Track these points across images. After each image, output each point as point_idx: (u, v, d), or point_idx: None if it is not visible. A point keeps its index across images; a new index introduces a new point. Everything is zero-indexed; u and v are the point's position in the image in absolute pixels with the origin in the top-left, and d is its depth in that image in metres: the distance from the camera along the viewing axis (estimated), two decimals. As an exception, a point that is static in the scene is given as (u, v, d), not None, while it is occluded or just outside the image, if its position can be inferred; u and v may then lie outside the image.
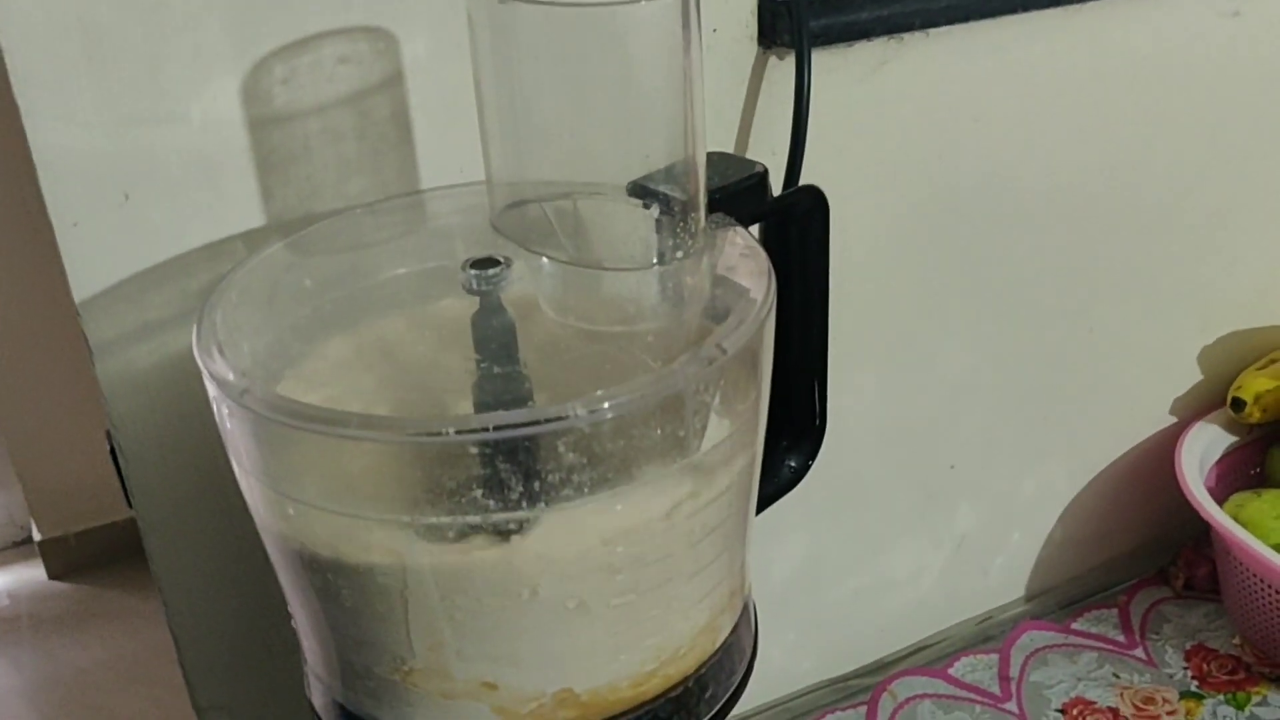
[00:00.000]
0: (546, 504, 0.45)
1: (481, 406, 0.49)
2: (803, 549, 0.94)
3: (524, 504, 0.45)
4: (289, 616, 0.58)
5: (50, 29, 0.57)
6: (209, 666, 0.75)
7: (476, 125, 0.57)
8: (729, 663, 0.56)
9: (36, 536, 2.50)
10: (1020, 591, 1.07)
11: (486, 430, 0.43)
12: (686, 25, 0.50)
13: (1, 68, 0.58)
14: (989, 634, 1.03)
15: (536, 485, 0.44)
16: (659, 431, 0.46)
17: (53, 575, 2.52)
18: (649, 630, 0.50)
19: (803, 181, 0.74)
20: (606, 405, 0.44)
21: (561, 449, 0.44)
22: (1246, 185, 0.99)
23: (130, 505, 0.71)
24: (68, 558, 2.51)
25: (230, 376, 0.47)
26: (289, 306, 0.58)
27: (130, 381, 0.66)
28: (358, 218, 0.62)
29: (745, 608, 0.58)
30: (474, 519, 0.45)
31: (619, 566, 0.48)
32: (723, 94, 0.75)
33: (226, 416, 0.48)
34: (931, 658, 1.01)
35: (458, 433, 0.43)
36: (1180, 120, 0.93)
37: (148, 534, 0.71)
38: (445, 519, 0.45)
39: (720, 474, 0.50)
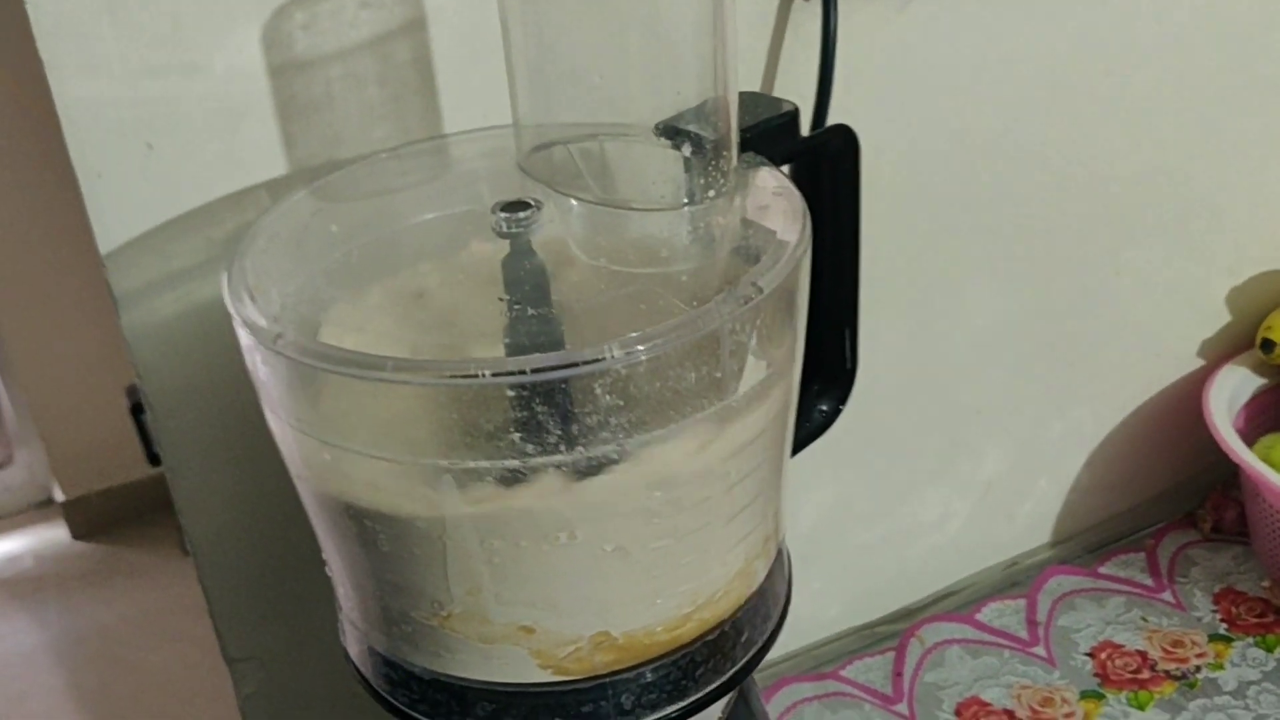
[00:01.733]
0: (584, 447, 0.45)
1: (515, 349, 0.49)
2: (829, 496, 0.94)
3: (561, 447, 0.44)
4: (321, 564, 0.57)
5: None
6: (239, 617, 0.75)
7: (499, 69, 0.56)
8: (764, 608, 0.56)
9: (59, 497, 2.52)
10: (1047, 536, 1.07)
11: (523, 373, 0.42)
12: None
13: (25, 20, 0.58)
14: (1016, 579, 1.02)
15: (574, 428, 0.44)
16: (696, 373, 0.46)
17: (76, 535, 2.54)
18: (686, 575, 0.50)
19: (829, 122, 0.74)
20: (643, 346, 0.43)
21: (598, 391, 0.44)
22: (1277, 122, 0.98)
23: (152, 462, 0.71)
24: (90, 517, 2.53)
25: (263, 322, 0.47)
26: (317, 252, 0.58)
27: (155, 332, 0.66)
28: (382, 162, 0.61)
29: (780, 553, 0.58)
30: (512, 463, 0.44)
31: (656, 510, 0.47)
32: (747, 35, 0.74)
33: (260, 363, 0.48)
34: (958, 604, 1.01)
35: (494, 375, 0.43)
36: (1211, 54, 0.91)
37: (175, 485, 0.70)
38: (483, 463, 0.45)
39: (757, 416, 0.49)
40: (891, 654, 0.96)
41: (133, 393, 0.68)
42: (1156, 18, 0.87)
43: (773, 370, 0.50)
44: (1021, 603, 0.99)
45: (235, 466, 0.70)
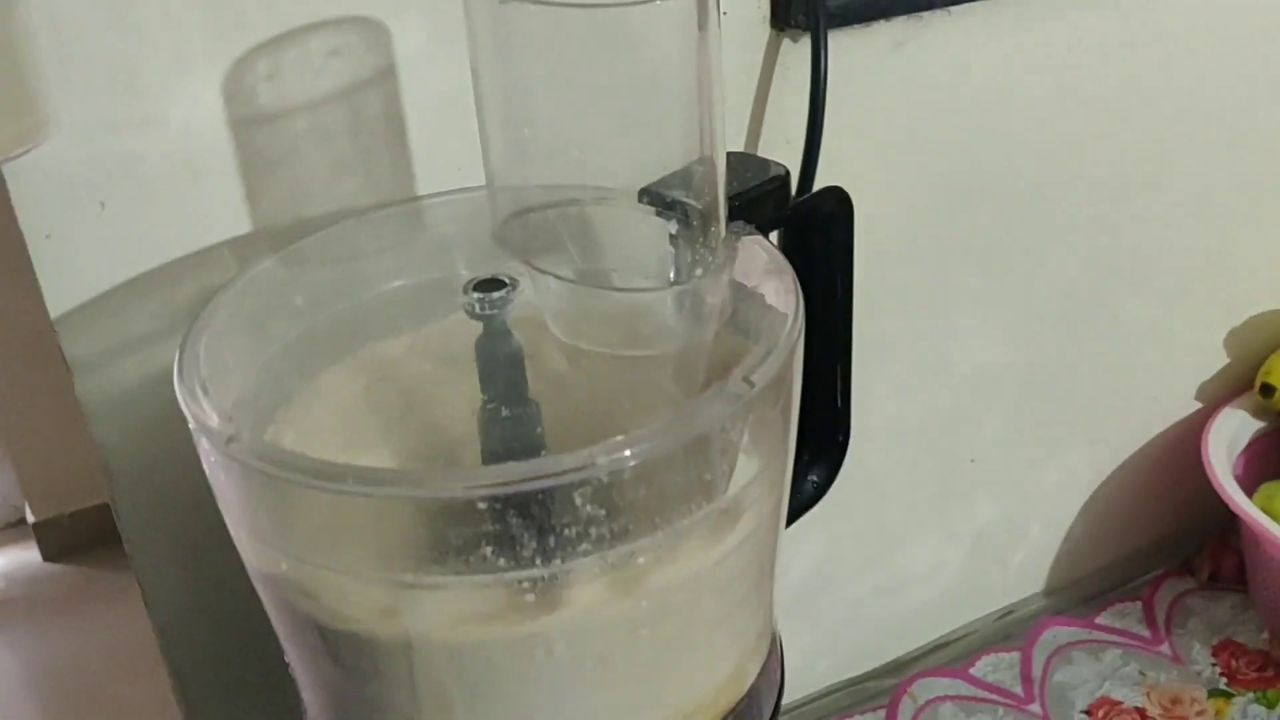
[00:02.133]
0: (562, 560, 0.41)
1: (490, 454, 0.45)
2: (819, 548, 0.90)
3: (538, 561, 0.41)
4: (286, 664, 0.54)
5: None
6: (207, 698, 0.72)
7: (474, 121, 0.53)
8: (756, 704, 0.53)
9: (30, 518, 2.47)
10: (1041, 585, 1.04)
11: (496, 486, 0.39)
12: (704, 24, 0.45)
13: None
14: (1009, 630, 1.00)
15: (551, 541, 0.41)
16: (683, 476, 0.42)
17: (47, 557, 2.49)
18: (674, 684, 0.47)
19: (819, 168, 0.71)
20: (627, 453, 0.40)
21: (578, 501, 0.40)
22: (1274, 165, 0.95)
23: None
24: (62, 539, 2.48)
25: (215, 422, 0.43)
26: (280, 328, 0.54)
27: (114, 399, 0.63)
28: (351, 229, 0.58)
29: (771, 648, 0.54)
30: (484, 578, 0.41)
31: (640, 620, 0.44)
32: (734, 79, 0.71)
33: (213, 464, 0.44)
34: (951, 655, 0.98)
35: (465, 489, 0.39)
36: (1208, 99, 0.89)
37: (136, 560, 0.67)
38: (452, 578, 0.41)
39: (748, 515, 0.46)
40: (883, 711, 0.93)
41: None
42: (1153, 62, 0.84)
43: (765, 465, 0.46)
44: (1016, 656, 0.97)
45: (198, 537, 0.66)
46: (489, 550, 0.40)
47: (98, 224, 0.59)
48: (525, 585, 0.41)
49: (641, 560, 0.43)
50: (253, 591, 0.54)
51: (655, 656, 0.45)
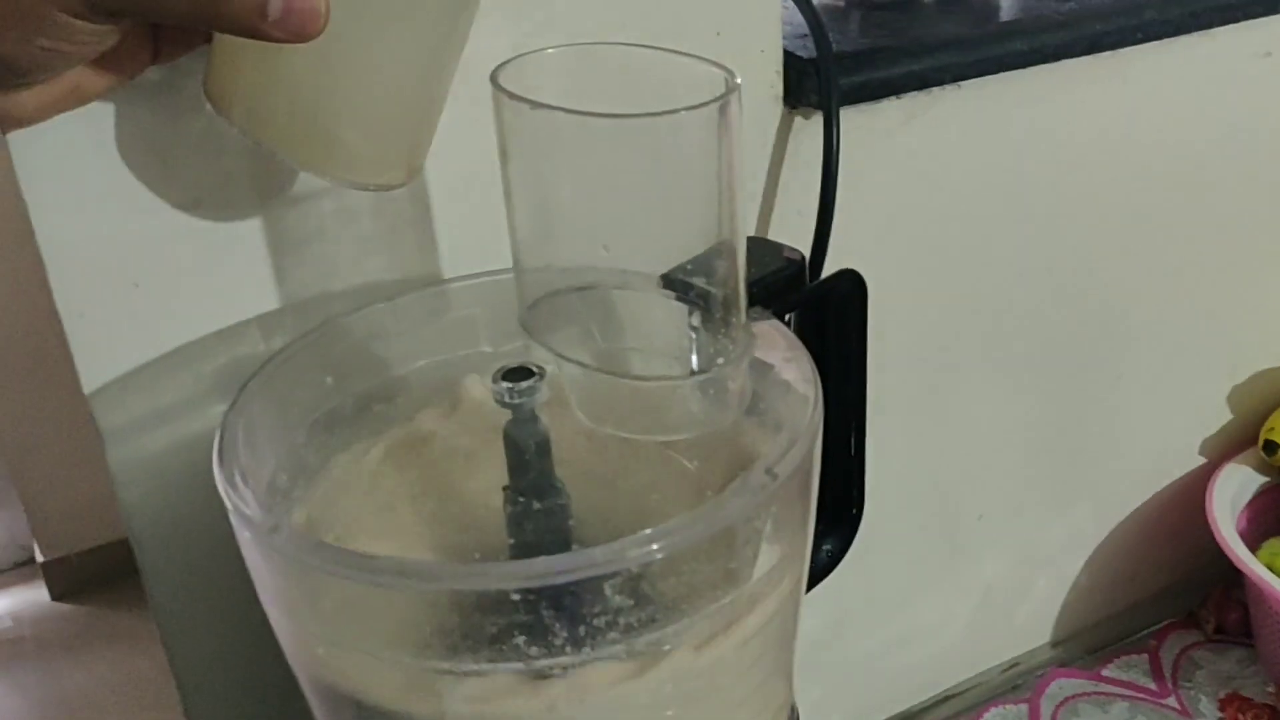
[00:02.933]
0: (592, 648, 0.43)
1: (521, 546, 0.47)
2: (830, 602, 0.92)
3: (568, 649, 0.42)
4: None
5: (55, 120, 0.55)
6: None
7: (498, 200, 0.54)
8: (775, 775, 0.54)
9: (39, 558, 2.48)
10: (1047, 636, 1.05)
11: (530, 579, 0.40)
12: (727, 128, 0.47)
13: (8, 156, 0.56)
14: (1017, 682, 1.01)
15: (581, 630, 0.42)
16: (709, 566, 0.44)
17: (55, 596, 2.50)
18: (699, 763, 0.48)
19: (831, 239, 0.72)
20: (656, 546, 0.41)
21: (608, 592, 0.42)
22: (1274, 226, 0.97)
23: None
24: (70, 578, 2.49)
25: (256, 512, 0.45)
26: (311, 408, 0.56)
27: (143, 468, 0.64)
28: (378, 312, 0.59)
29: (791, 714, 0.56)
30: (516, 665, 0.42)
31: (667, 703, 0.46)
32: (748, 155, 0.73)
33: (252, 552, 0.46)
34: (960, 707, 0.99)
35: (500, 583, 0.41)
36: (1211, 163, 0.90)
37: (163, 621, 0.69)
38: (485, 666, 0.43)
39: (771, 599, 0.48)
40: (893, 764, 0.94)
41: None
42: (1154, 130, 0.86)
43: (787, 550, 0.48)
44: (1024, 708, 0.98)
45: (225, 601, 0.68)
46: (521, 639, 0.42)
47: (130, 302, 0.60)
48: (557, 672, 0.43)
49: (668, 647, 0.44)
50: (277, 654, 0.55)
51: (681, 738, 0.47)
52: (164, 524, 0.66)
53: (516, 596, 0.41)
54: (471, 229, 0.65)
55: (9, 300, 2.20)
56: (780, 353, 0.53)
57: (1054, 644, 1.05)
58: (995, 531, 0.97)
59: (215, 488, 0.57)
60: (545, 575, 0.40)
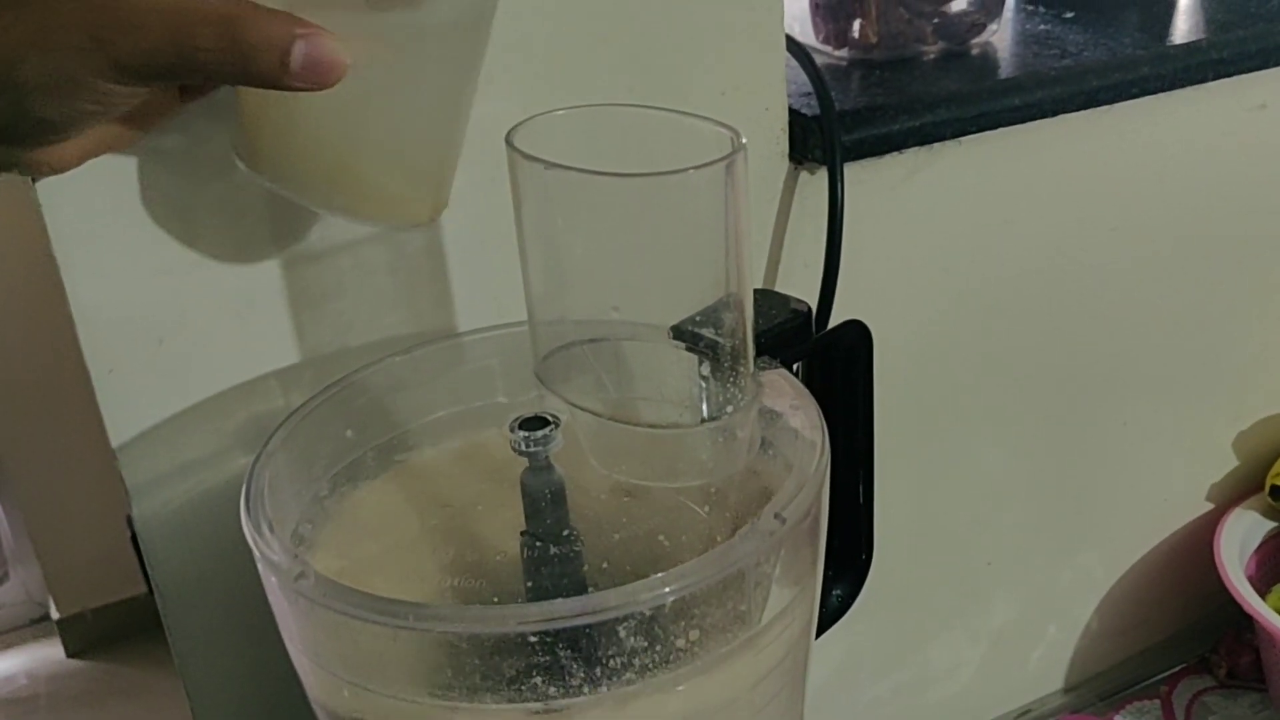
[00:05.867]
0: (607, 689, 0.44)
1: (538, 589, 0.48)
2: (840, 650, 0.93)
3: (585, 689, 0.44)
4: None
5: (84, 185, 0.57)
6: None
7: (511, 256, 0.56)
8: (786, 817, 0.55)
9: (55, 614, 2.49)
10: (1059, 683, 1.06)
11: (548, 621, 0.42)
12: (734, 185, 0.49)
13: (39, 224, 0.58)
14: (1029, 728, 1.01)
15: (597, 670, 0.44)
16: (721, 609, 0.45)
17: (71, 653, 2.50)
18: (710, 801, 0.49)
19: (837, 289, 0.74)
20: (668, 589, 0.43)
21: (623, 634, 0.43)
22: (1275, 272, 0.98)
23: (153, 591, 0.70)
24: (86, 635, 2.49)
25: (282, 559, 0.46)
26: (332, 460, 0.57)
27: (166, 521, 0.66)
28: (396, 364, 0.61)
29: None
30: (534, 705, 0.44)
31: (682, 744, 0.47)
32: (755, 209, 0.74)
33: (279, 598, 0.47)
34: (972, 754, 0.99)
35: (519, 625, 0.42)
36: (1209, 214, 0.92)
37: (186, 671, 0.70)
38: (505, 706, 0.44)
39: (782, 641, 0.49)
40: (906, 812, 0.94)
41: (132, 522, 0.67)
42: (1154, 181, 0.88)
43: (797, 594, 0.49)
44: (1036, 755, 0.98)
45: (246, 652, 0.69)
46: (539, 679, 0.43)
47: (156, 359, 0.62)
48: (573, 711, 0.44)
49: (681, 688, 0.45)
50: (298, 701, 0.56)
51: (696, 778, 0.48)
52: (187, 576, 0.67)
53: (534, 639, 0.42)
54: (485, 284, 0.67)
55: (28, 358, 2.23)
56: (788, 400, 0.54)
57: (1066, 690, 1.06)
58: (1004, 578, 0.97)
59: (238, 540, 0.59)
60: (562, 617, 0.42)
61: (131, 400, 0.63)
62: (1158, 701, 1.02)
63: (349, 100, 0.49)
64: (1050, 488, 0.96)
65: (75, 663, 2.50)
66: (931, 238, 0.81)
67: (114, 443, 0.63)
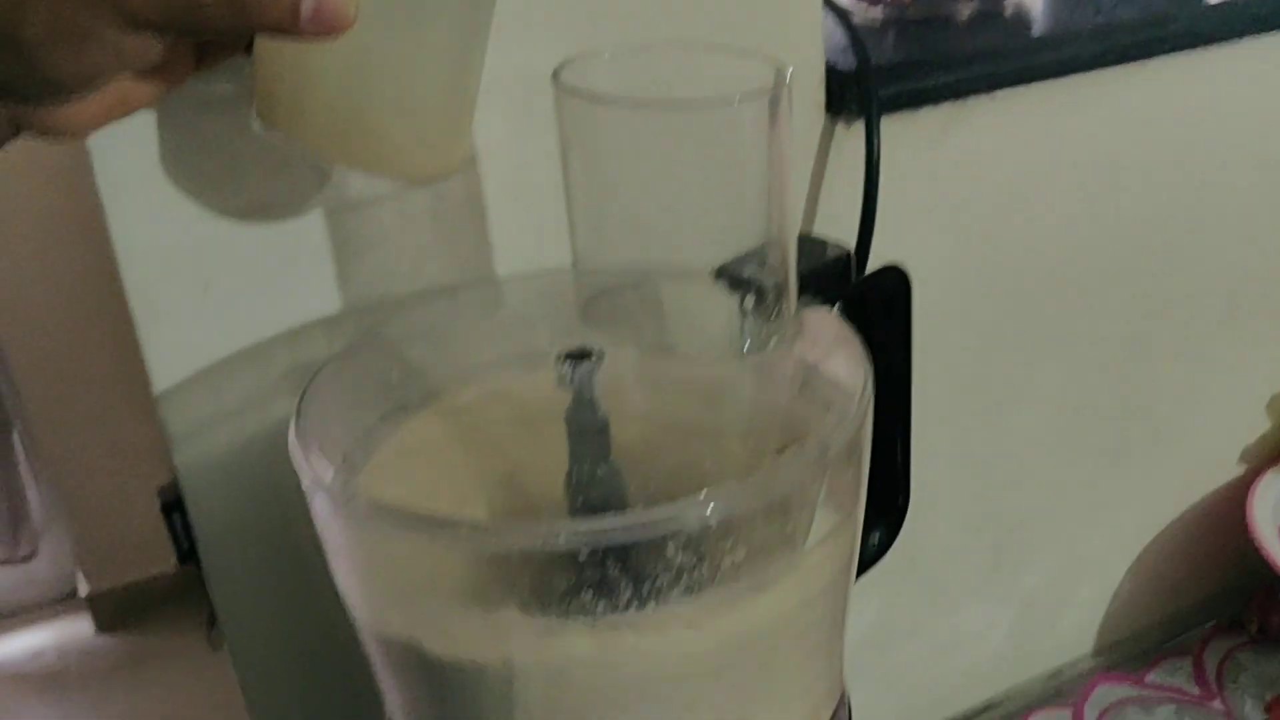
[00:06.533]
0: (655, 605, 0.45)
1: (582, 507, 0.49)
2: (872, 610, 0.93)
3: (633, 606, 0.44)
4: (374, 694, 0.57)
5: (133, 130, 0.58)
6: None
7: (549, 206, 0.56)
8: (827, 752, 0.56)
9: (84, 590, 2.51)
10: (1090, 645, 1.06)
11: (597, 534, 0.43)
12: (776, 117, 0.50)
13: (87, 166, 0.59)
14: (1060, 689, 1.01)
15: (645, 587, 0.44)
16: (766, 529, 0.46)
17: (100, 629, 2.53)
18: (755, 728, 0.50)
19: (873, 247, 0.75)
20: (716, 506, 0.43)
21: (671, 551, 0.44)
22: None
23: (181, 561, 0.70)
24: (115, 611, 2.52)
25: (332, 480, 0.47)
26: (379, 398, 0.58)
27: (207, 468, 0.66)
28: (441, 306, 0.62)
29: (842, 697, 0.57)
30: (583, 621, 0.45)
31: (727, 665, 0.47)
32: (793, 163, 0.75)
33: (328, 518, 0.48)
34: (1002, 715, 1.00)
35: (568, 538, 0.43)
36: (1243, 171, 0.92)
37: (225, 617, 0.71)
38: (554, 621, 0.45)
39: (825, 568, 0.50)
40: (938, 769, 0.95)
41: (163, 492, 0.68)
42: (1190, 138, 0.88)
43: (839, 521, 0.50)
44: (1067, 714, 0.98)
45: (286, 601, 0.70)
46: (588, 596, 0.44)
47: (202, 303, 0.63)
48: (622, 628, 0.45)
49: (728, 608, 0.46)
50: (338, 636, 0.57)
51: (737, 699, 0.49)
52: (229, 524, 0.68)
53: (584, 555, 0.43)
54: (527, 234, 0.68)
55: (62, 337, 2.24)
56: (830, 338, 0.55)
57: (1097, 653, 1.06)
58: (1036, 538, 0.98)
59: (279, 488, 0.60)
60: (611, 531, 0.43)
61: (175, 346, 0.63)
62: (1189, 660, 1.03)
63: (360, 49, 0.49)
64: (1083, 448, 0.96)
65: (104, 638, 2.52)
66: (966, 192, 0.81)
67: (156, 389, 0.64)
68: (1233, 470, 1.05)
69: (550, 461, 0.53)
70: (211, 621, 2.41)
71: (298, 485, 0.51)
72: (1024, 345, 0.89)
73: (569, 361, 0.51)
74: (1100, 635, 1.06)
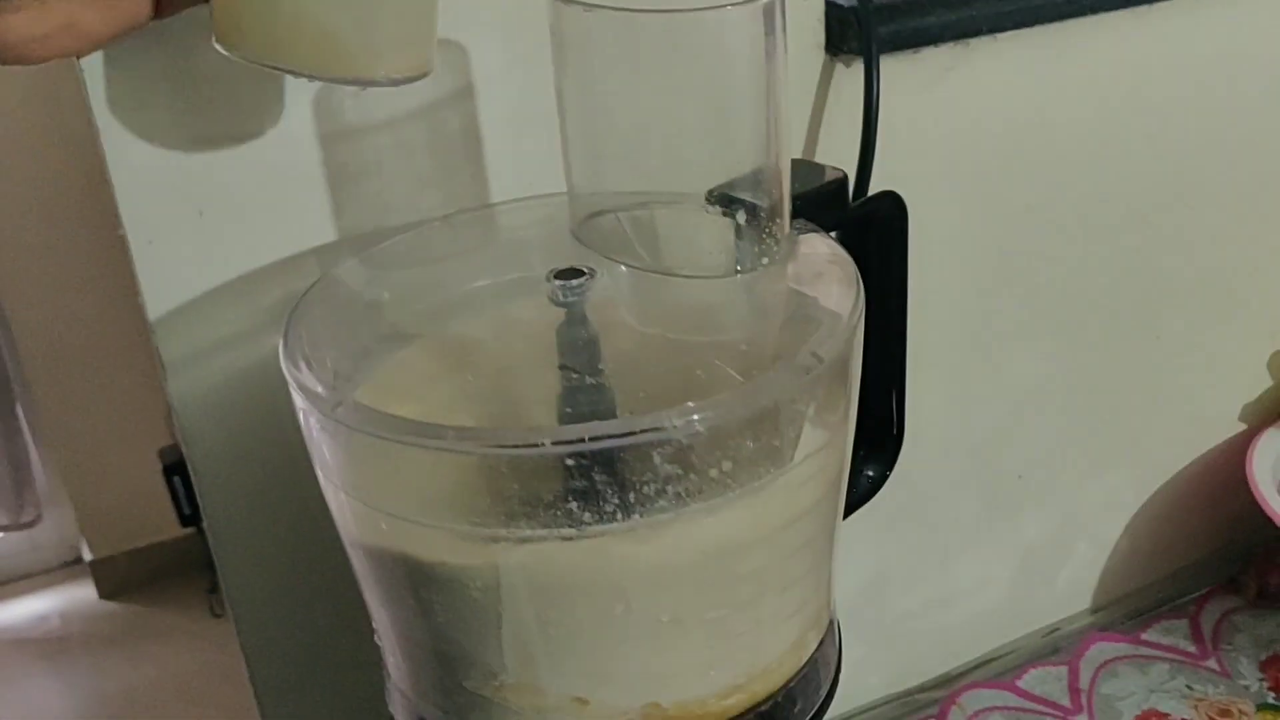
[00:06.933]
0: (641, 515, 0.44)
1: (569, 418, 0.49)
2: (869, 563, 0.93)
3: (619, 515, 0.44)
4: (364, 632, 0.57)
5: (127, 49, 0.58)
6: (278, 684, 0.75)
7: (545, 138, 0.56)
8: (816, 677, 0.55)
9: (87, 556, 2.52)
10: (1087, 602, 1.06)
11: (583, 441, 0.42)
12: (771, 30, 0.49)
13: (81, 89, 0.59)
14: (1057, 645, 1.01)
15: (631, 497, 0.44)
16: (754, 442, 0.45)
17: (103, 595, 2.54)
18: (740, 646, 0.50)
19: (871, 189, 0.74)
20: (704, 415, 0.43)
21: (657, 460, 0.44)
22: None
23: (183, 524, 0.71)
24: (118, 577, 2.53)
25: (320, 390, 0.47)
26: (369, 320, 0.58)
27: (201, 398, 0.66)
28: (434, 230, 0.62)
29: (830, 623, 0.57)
30: (569, 531, 0.44)
31: (712, 580, 0.47)
32: (791, 102, 0.74)
33: (316, 430, 0.48)
34: (999, 670, 0.99)
35: (554, 444, 0.43)
36: (1250, 121, 0.91)
37: (219, 549, 0.70)
38: (541, 531, 0.45)
39: (812, 485, 0.49)
40: (932, 722, 0.95)
41: (165, 455, 0.68)
42: (1193, 83, 0.87)
43: (829, 439, 0.49)
44: (1063, 669, 0.98)
45: (280, 531, 0.70)
46: (575, 505, 0.44)
47: (196, 230, 0.63)
48: (608, 538, 0.45)
49: (714, 519, 0.46)
50: (331, 569, 0.57)
51: (723, 614, 0.48)
52: (222, 454, 0.68)
53: (570, 461, 0.43)
54: (521, 166, 0.67)
55: (63, 303, 2.25)
56: (824, 256, 0.54)
57: (1094, 610, 1.06)
58: (1034, 493, 0.97)
59: (273, 417, 0.59)
60: (597, 438, 0.42)
61: (170, 272, 0.63)
62: (1185, 620, 1.02)
63: None
64: (1082, 401, 0.96)
65: (107, 604, 2.54)
66: (966, 136, 0.81)
67: (150, 315, 0.64)
68: (1233, 427, 1.05)
69: (544, 388, 0.53)
70: (213, 589, 2.41)
71: (293, 412, 0.51)
72: (1022, 294, 0.88)
73: (561, 279, 0.51)
74: (1097, 593, 1.06)
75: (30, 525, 2.61)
